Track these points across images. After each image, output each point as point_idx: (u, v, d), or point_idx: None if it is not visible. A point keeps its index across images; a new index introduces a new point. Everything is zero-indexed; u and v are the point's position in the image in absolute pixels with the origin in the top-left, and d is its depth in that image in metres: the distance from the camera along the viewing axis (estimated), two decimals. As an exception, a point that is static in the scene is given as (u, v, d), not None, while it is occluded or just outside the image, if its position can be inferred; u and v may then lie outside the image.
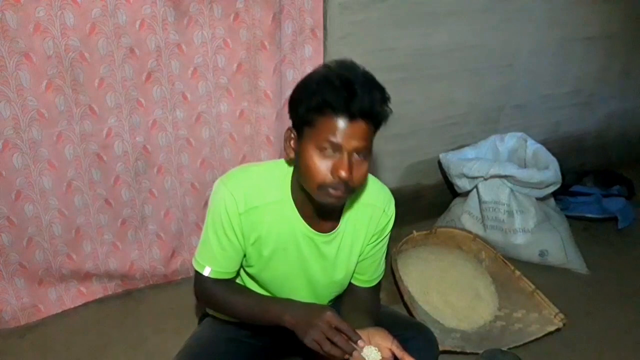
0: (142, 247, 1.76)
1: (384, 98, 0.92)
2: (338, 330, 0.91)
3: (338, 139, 0.89)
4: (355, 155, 0.92)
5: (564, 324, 1.65)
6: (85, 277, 1.71)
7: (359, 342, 0.91)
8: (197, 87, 1.63)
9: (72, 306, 1.72)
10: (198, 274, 1.07)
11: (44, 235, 1.58)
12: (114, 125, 1.55)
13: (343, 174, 0.90)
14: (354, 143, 0.90)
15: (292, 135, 0.98)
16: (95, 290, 1.76)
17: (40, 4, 1.31)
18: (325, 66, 0.94)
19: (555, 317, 1.66)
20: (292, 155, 0.99)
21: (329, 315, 0.91)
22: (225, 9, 1.55)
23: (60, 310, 1.69)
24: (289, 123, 0.99)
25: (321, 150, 0.91)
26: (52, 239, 1.59)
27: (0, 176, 1.46)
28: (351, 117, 0.89)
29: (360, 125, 0.90)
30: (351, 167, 0.91)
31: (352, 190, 0.95)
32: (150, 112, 1.60)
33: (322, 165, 0.92)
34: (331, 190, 0.93)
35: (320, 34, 1.71)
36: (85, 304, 1.73)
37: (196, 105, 1.66)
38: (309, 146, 0.92)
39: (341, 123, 0.89)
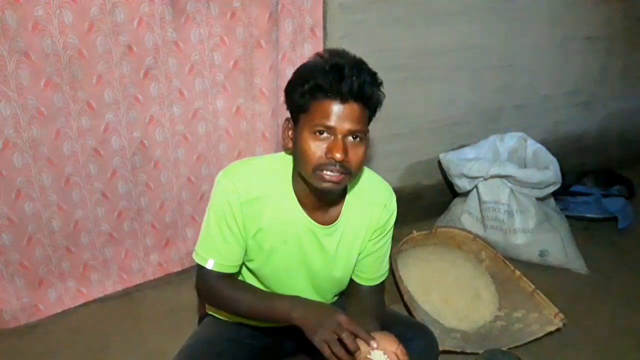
0: (137, 236, 1.78)
1: (374, 81, 0.95)
2: (351, 333, 0.89)
3: (331, 121, 0.92)
4: (350, 139, 0.94)
5: (564, 324, 1.65)
6: (84, 272, 1.72)
7: (372, 342, 0.91)
8: (193, 83, 1.65)
9: (72, 306, 1.72)
10: (201, 268, 1.06)
11: (44, 232, 1.59)
12: (111, 120, 1.57)
13: (337, 155, 0.91)
14: (347, 125, 0.92)
15: (290, 125, 1.01)
16: (95, 290, 1.76)
17: (38, 3, 1.32)
18: (317, 54, 0.97)
19: (555, 317, 1.66)
20: (290, 145, 1.02)
21: (342, 317, 0.91)
22: (222, 8, 1.57)
23: (60, 310, 1.69)
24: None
25: (316, 134, 0.93)
26: (51, 234, 1.60)
27: (1, 175, 1.46)
28: (342, 99, 0.91)
29: (352, 107, 0.92)
30: (345, 149, 0.93)
31: (349, 174, 0.96)
32: (148, 108, 1.62)
33: (317, 148, 0.93)
34: (327, 173, 0.94)
35: (319, 33, 1.72)
36: (85, 304, 1.73)
37: (193, 101, 1.68)
38: (304, 131, 0.95)
39: (333, 105, 0.92)
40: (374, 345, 0.91)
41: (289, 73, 1.72)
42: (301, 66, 0.99)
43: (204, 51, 1.61)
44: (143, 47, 1.52)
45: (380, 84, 0.96)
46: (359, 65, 0.94)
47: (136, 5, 1.45)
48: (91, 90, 1.50)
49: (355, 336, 0.90)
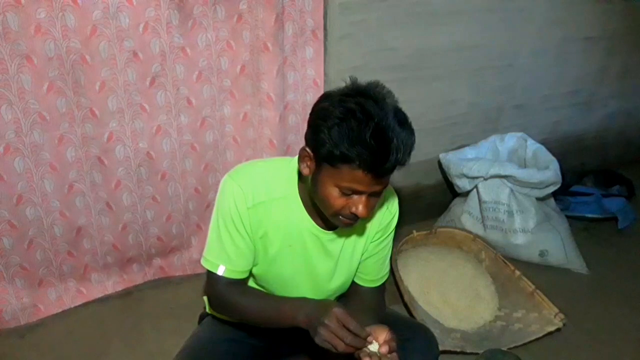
0: (142, 247, 1.76)
1: (414, 143, 0.88)
2: (346, 328, 0.88)
3: (361, 187, 0.88)
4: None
5: (564, 324, 1.65)
6: (84, 273, 1.71)
7: (367, 338, 0.91)
8: (201, 91, 1.60)
9: (72, 306, 1.71)
10: (211, 275, 1.04)
11: (45, 237, 1.57)
12: (115, 129, 1.53)
13: (361, 214, 0.91)
14: (376, 188, 0.90)
15: (309, 156, 0.93)
16: (95, 290, 1.75)
17: (40, 5, 1.29)
18: (350, 98, 0.86)
19: (555, 317, 1.66)
20: (307, 173, 0.95)
21: (337, 311, 0.88)
22: (229, 11, 1.53)
23: (60, 310, 1.69)
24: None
25: (341, 190, 0.90)
26: (53, 239, 1.59)
27: (2, 180, 1.44)
28: (379, 175, 0.87)
29: (386, 176, 0.89)
30: (370, 206, 0.92)
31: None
32: (154, 118, 1.57)
33: (340, 200, 0.92)
34: (344, 219, 0.95)
35: (321, 35, 1.70)
36: (85, 304, 1.73)
37: (201, 109, 1.63)
38: (327, 181, 0.90)
39: (368, 177, 0.86)
40: (370, 339, 0.91)
41: (290, 78, 1.70)
42: (330, 111, 0.86)
43: (212, 56, 1.56)
44: (149, 53, 1.47)
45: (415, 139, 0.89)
46: (405, 139, 0.85)
47: (141, 9, 1.40)
48: (94, 97, 1.46)
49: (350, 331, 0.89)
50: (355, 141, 0.83)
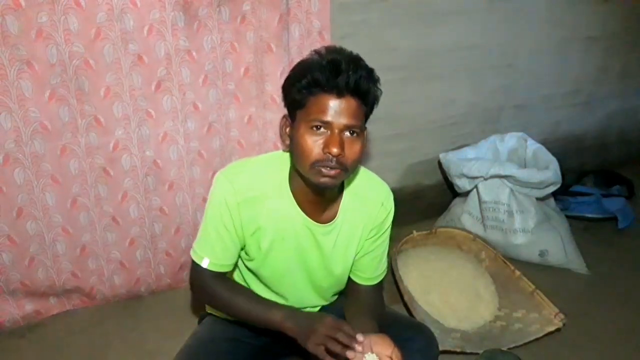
0: (151, 265, 1.71)
1: (371, 76, 0.95)
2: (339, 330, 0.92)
3: (328, 116, 0.92)
4: (347, 134, 0.94)
5: (564, 324, 1.65)
6: (90, 291, 1.68)
7: (357, 336, 0.92)
8: (207, 95, 1.57)
9: (72, 307, 1.71)
10: (195, 265, 1.08)
11: (47, 254, 1.53)
12: (121, 137, 1.49)
13: (334, 150, 0.92)
14: (344, 120, 0.93)
15: (287, 122, 1.02)
16: (98, 301, 1.73)
17: (42, 9, 1.25)
18: (315, 51, 0.98)
19: (555, 317, 1.66)
20: (287, 142, 1.02)
21: (330, 319, 0.93)
22: (233, 12, 1.50)
23: (60, 311, 1.69)
24: None
25: (312, 129, 0.94)
26: (55, 257, 1.54)
27: (1, 192, 1.40)
28: (339, 93, 0.92)
29: (349, 102, 0.92)
30: (342, 144, 0.93)
31: (345, 170, 0.96)
32: (161, 124, 1.53)
33: (314, 143, 0.94)
34: (324, 169, 0.94)
35: (327, 36, 1.67)
36: (85, 305, 1.73)
37: (207, 114, 1.59)
38: (301, 127, 0.95)
39: (330, 100, 0.92)
40: (360, 338, 0.92)
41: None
42: (298, 63, 1.00)
43: (217, 59, 1.53)
44: (154, 57, 1.43)
45: (377, 80, 0.97)
46: (356, 61, 0.94)
47: (146, 11, 1.36)
48: (99, 103, 1.41)
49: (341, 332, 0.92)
50: (309, 68, 0.93)
